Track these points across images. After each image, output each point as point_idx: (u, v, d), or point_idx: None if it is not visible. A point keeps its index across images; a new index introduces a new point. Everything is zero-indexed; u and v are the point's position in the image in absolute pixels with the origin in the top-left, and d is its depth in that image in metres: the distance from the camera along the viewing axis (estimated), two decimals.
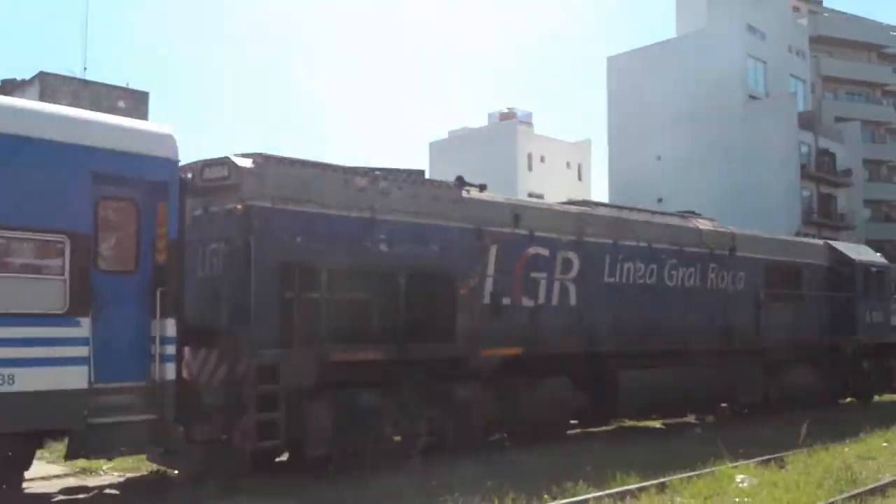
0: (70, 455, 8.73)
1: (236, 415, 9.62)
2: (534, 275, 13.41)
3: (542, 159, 60.74)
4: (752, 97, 50.63)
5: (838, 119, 57.99)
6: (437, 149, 62.65)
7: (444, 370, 11.89)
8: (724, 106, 48.83)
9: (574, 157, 64.07)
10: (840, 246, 22.26)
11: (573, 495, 9.32)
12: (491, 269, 12.76)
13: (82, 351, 8.30)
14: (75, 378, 8.20)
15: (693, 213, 18.55)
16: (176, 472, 10.50)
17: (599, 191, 62.73)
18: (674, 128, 49.23)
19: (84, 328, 8.32)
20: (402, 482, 9.92)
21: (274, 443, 10.08)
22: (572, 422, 14.83)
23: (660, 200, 42.48)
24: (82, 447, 8.54)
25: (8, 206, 8.01)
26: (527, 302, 13.27)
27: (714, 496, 9.77)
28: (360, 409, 10.84)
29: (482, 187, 13.26)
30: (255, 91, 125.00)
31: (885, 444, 13.61)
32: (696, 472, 10.73)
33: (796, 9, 59.98)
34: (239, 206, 9.97)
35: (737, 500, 9.62)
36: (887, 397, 22.66)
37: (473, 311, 12.43)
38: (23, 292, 8.02)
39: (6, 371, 7.75)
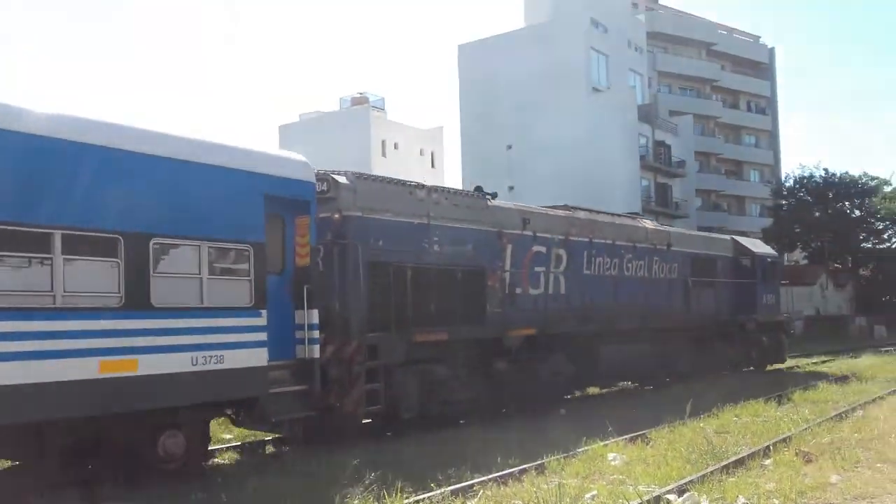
0: (256, 420, 11.39)
1: (348, 386, 12.11)
2: (536, 269, 16.65)
3: (396, 146, 60.65)
4: (596, 89, 52.56)
5: (672, 113, 61.34)
6: (287, 133, 61.12)
7: (482, 348, 14.82)
8: (568, 97, 50.43)
9: (427, 145, 64.38)
10: (742, 240, 26.34)
11: (459, 481, 9.24)
12: (507, 265, 15.86)
13: (263, 336, 10.81)
14: (260, 357, 10.75)
15: (638, 214, 22.52)
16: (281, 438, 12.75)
17: (452, 179, 63.39)
18: (523, 117, 50.39)
19: (263, 318, 10.83)
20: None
21: (377, 407, 12.62)
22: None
23: (511, 189, 43.41)
24: (266, 412, 10.94)
25: (223, 224, 10.55)
26: (533, 291, 16.49)
27: (591, 475, 9.98)
28: (435, 379, 13.70)
29: (493, 195, 16.23)
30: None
31: (735, 418, 14.41)
32: (572, 453, 10.94)
33: (635, 4, 62.85)
34: (336, 216, 12.46)
35: (613, 477, 9.86)
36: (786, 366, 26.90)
37: (498, 299, 15.49)
38: (227, 291, 10.56)
39: (218, 353, 10.20)
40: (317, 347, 11.64)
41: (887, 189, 52.47)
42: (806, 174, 54.99)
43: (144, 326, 9.45)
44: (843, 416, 14.79)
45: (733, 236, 26.97)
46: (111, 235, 9.18)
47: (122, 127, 9.83)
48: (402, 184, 14.31)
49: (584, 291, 17.81)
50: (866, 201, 52.30)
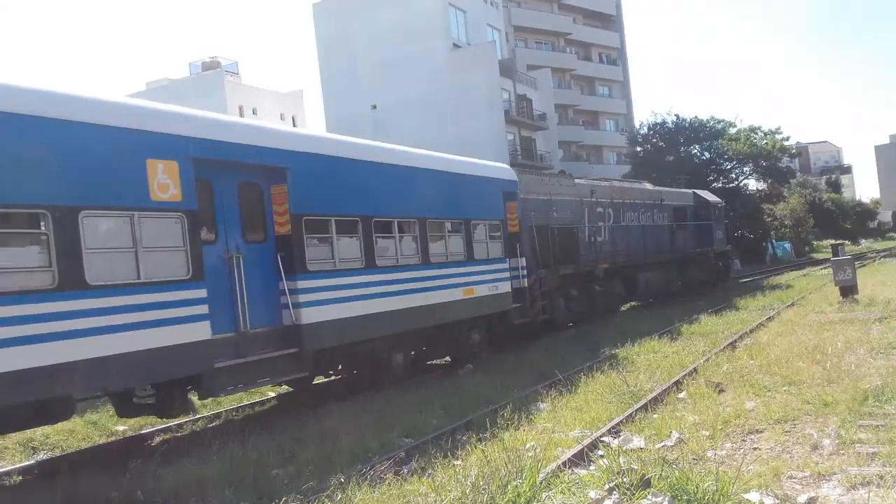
0: (507, 323, 17.73)
1: (530, 304, 18.57)
2: (600, 223, 23.91)
3: (254, 111, 58.52)
4: (456, 45, 52.41)
5: (530, 67, 62.15)
6: None
7: (582, 277, 22.14)
8: (430, 54, 50.12)
9: (288, 109, 62.51)
10: (699, 192, 33.89)
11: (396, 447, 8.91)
12: (586, 222, 22.94)
13: (508, 275, 17.63)
14: (507, 287, 17.48)
15: (640, 180, 31.46)
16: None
17: None
18: (385, 76, 49.74)
19: (508, 263, 17.64)
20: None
21: (545, 317, 19.44)
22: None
23: None
24: (512, 318, 17.74)
25: (491, 210, 17.28)
26: (599, 239, 23.71)
27: (522, 426, 9.86)
28: (570, 296, 21.38)
29: (562, 172, 26.83)
30: None
31: (637, 356, 14.75)
32: (497, 406, 10.81)
33: None
34: (512, 200, 18.41)
35: (547, 425, 9.79)
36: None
37: (584, 246, 22.64)
38: (493, 248, 17.12)
39: (492, 284, 16.77)
40: (525, 280, 18.42)
41: (732, 130, 55.35)
42: (658, 121, 57.21)
43: (474, 269, 16.16)
44: (734, 345, 15.45)
45: (694, 190, 34.19)
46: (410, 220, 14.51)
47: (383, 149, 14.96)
48: (537, 172, 25.94)
49: (623, 237, 25.31)
50: (714, 143, 55.02)
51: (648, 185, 29.67)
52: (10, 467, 10.12)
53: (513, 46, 62.55)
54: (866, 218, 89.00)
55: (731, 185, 55.18)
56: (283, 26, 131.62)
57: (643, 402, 10.41)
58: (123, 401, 9.89)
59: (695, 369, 12.76)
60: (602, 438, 8.82)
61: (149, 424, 12.24)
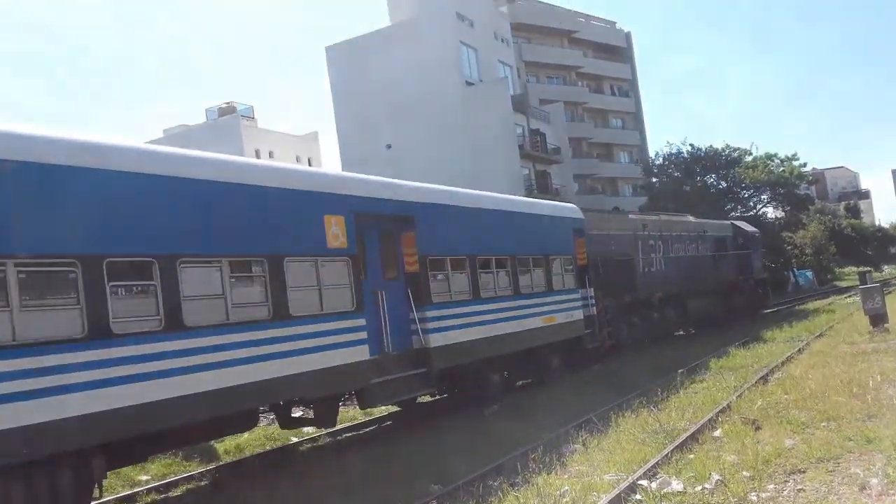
0: (580, 348, 19.65)
1: (599, 330, 20.38)
2: (651, 255, 25.53)
3: (271, 154, 58.89)
4: (469, 83, 52.69)
5: (543, 101, 62.33)
6: None
7: (640, 304, 24.13)
8: (443, 92, 50.39)
9: (303, 151, 62.99)
10: (737, 223, 36.05)
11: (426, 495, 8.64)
12: (640, 254, 24.71)
13: (580, 303, 19.55)
14: (579, 315, 19.44)
15: (683, 213, 32.50)
16: None
17: None
18: (399, 115, 49.95)
19: (579, 294, 19.64)
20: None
21: (611, 342, 21.43)
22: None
23: None
24: (585, 342, 19.75)
25: (565, 246, 19.51)
26: (653, 270, 25.45)
27: (554, 470, 9.57)
28: (633, 324, 23.32)
29: (616, 209, 31.26)
30: None
31: (662, 393, 14.40)
32: (527, 448, 10.52)
33: None
34: (580, 236, 20.35)
35: (580, 468, 9.50)
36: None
37: (639, 275, 24.33)
38: (567, 279, 19.10)
39: (568, 312, 18.90)
40: (594, 308, 20.24)
41: (748, 158, 55.07)
42: (673, 151, 57.04)
43: (553, 299, 18.21)
44: (766, 378, 15.08)
45: (732, 221, 36.87)
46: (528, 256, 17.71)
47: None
48: (598, 212, 27.88)
49: (673, 267, 26.86)
50: (731, 172, 54.74)
51: (691, 218, 31.43)
52: None
53: (524, 82, 62.86)
54: (887, 243, 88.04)
55: (749, 213, 54.77)
56: (297, 69, 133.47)
57: (678, 441, 10.09)
58: (285, 415, 12.14)
59: (728, 405, 12.43)
60: (639, 482, 8.53)
61: (171, 473, 12.03)
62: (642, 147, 75.93)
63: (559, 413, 13.77)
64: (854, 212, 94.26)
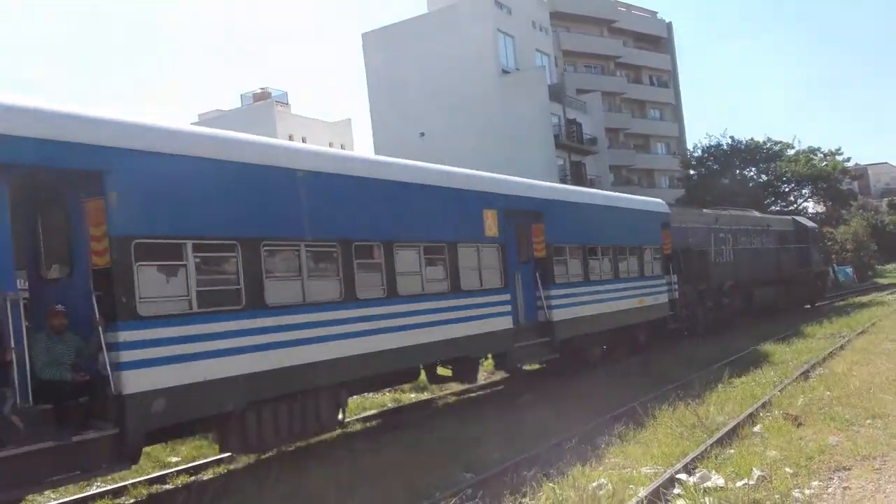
0: (663, 336, 22.02)
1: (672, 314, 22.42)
2: (722, 247, 27.58)
3: (304, 140, 58.97)
4: (505, 71, 52.25)
5: (580, 91, 61.60)
6: None
7: (712, 291, 26.22)
8: (479, 80, 49.97)
9: (336, 137, 63.00)
10: (798, 218, 38.24)
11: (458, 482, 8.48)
12: (713, 245, 26.70)
13: (666, 288, 22.24)
14: (665, 298, 22.17)
15: (747, 209, 34.84)
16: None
17: None
18: (434, 103, 49.67)
19: (665, 280, 22.25)
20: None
21: (686, 324, 23.73)
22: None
23: None
24: (668, 326, 22.35)
25: (654, 238, 21.90)
26: (723, 260, 27.41)
27: (589, 462, 9.36)
28: (707, 308, 25.46)
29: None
30: None
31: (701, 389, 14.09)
32: (561, 439, 10.32)
33: None
34: (666, 229, 22.97)
35: (615, 460, 9.27)
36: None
37: (712, 265, 26.31)
38: (656, 266, 21.65)
39: (654, 295, 21.47)
40: (676, 293, 22.75)
41: (790, 152, 54.03)
42: (713, 143, 56.12)
43: (645, 284, 20.74)
44: (807, 374, 14.71)
45: (793, 216, 38.80)
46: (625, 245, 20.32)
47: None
48: (679, 207, 29.48)
49: (741, 258, 28.77)
50: (772, 165, 53.74)
51: (756, 213, 34.14)
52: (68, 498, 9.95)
53: (562, 71, 62.17)
54: None
55: (789, 208, 53.80)
56: (333, 56, 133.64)
57: (718, 436, 9.83)
58: (433, 373, 14.58)
59: (769, 401, 12.12)
60: (678, 476, 8.30)
61: (202, 456, 12.01)
62: (680, 139, 74.83)
63: (593, 404, 13.54)
64: None
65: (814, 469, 8.45)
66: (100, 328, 8.08)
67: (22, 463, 7.36)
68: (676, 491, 7.92)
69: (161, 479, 10.80)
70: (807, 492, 7.75)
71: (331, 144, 62.71)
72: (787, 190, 54.94)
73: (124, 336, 8.17)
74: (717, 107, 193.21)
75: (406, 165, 13.49)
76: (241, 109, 65.05)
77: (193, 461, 11.67)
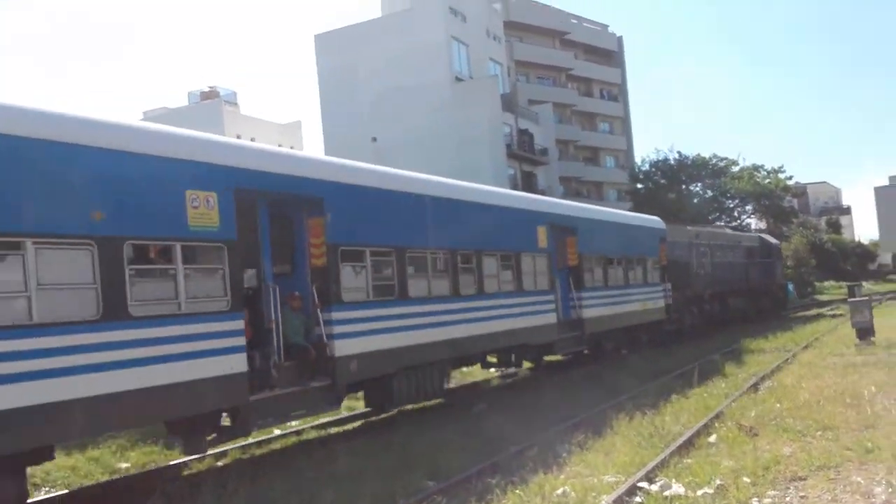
0: (659, 337, 25.07)
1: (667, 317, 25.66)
2: (701, 259, 30.54)
3: (253, 140, 58.21)
4: (458, 79, 52.33)
5: (531, 102, 62.11)
6: None
7: (696, 297, 29.42)
8: (432, 86, 49.89)
9: (286, 140, 62.32)
10: (763, 236, 42.20)
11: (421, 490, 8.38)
12: (694, 258, 29.72)
13: (663, 294, 25.31)
14: (662, 303, 25.38)
15: (721, 224, 41.14)
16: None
17: None
18: (386, 108, 49.47)
19: (662, 287, 25.65)
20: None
21: (674, 325, 26.67)
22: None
23: None
24: (662, 330, 25.50)
25: (653, 249, 25.13)
26: (701, 271, 30.37)
27: (550, 469, 9.36)
28: (692, 314, 28.80)
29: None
30: None
31: (653, 399, 14.25)
32: (522, 447, 10.30)
33: None
34: (663, 243, 25.99)
35: (576, 468, 9.29)
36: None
37: (692, 276, 29.15)
38: (653, 274, 24.82)
39: (653, 300, 24.50)
40: (671, 299, 25.54)
41: (735, 169, 55.32)
42: (661, 158, 57.16)
43: (648, 290, 23.93)
44: (756, 387, 14.99)
45: (759, 234, 43.28)
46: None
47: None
48: (673, 224, 30.15)
49: (717, 270, 32.01)
50: (717, 181, 54.94)
51: (728, 230, 39.18)
52: None
53: (514, 81, 62.59)
54: (866, 259, 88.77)
55: (732, 223, 55.02)
56: (284, 57, 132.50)
57: (676, 445, 9.94)
58: (483, 361, 16.92)
59: (721, 412, 12.30)
60: (639, 484, 8.35)
61: (151, 462, 11.68)
62: (629, 152, 76.03)
63: (548, 413, 13.60)
64: (835, 227, 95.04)
65: (770, 479, 8.57)
66: (318, 310, 11.24)
67: (279, 401, 10.49)
68: (638, 499, 7.96)
69: (113, 484, 10.44)
70: (765, 501, 7.85)
71: (280, 146, 62.01)
72: (731, 206, 56.19)
73: (335, 315, 11.39)
74: (665, 122, 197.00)
75: (488, 191, 17.48)
76: (188, 108, 64.03)
77: (143, 467, 11.34)
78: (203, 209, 9.26)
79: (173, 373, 8.61)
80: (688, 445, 10.17)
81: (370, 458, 10.52)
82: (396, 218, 13.11)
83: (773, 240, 42.03)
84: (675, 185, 55.57)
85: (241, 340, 9.60)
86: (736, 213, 56.69)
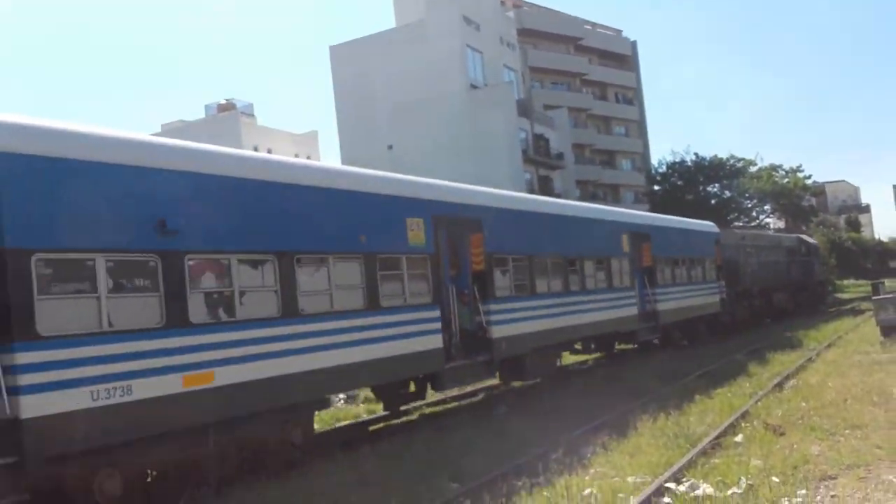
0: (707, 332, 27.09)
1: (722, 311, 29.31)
2: (749, 259, 33.67)
3: (269, 152, 58.47)
4: (474, 86, 52.40)
5: (547, 107, 62.10)
6: None
7: (745, 293, 32.77)
8: (447, 94, 50.02)
9: (302, 149, 62.64)
10: (803, 237, 45.22)
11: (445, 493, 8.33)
12: (742, 258, 32.71)
13: (717, 291, 28.65)
14: (716, 299, 28.38)
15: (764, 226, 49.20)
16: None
17: None
18: (402, 117, 49.65)
19: (717, 284, 28.84)
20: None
21: (729, 317, 30.10)
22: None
23: None
24: (713, 324, 28.09)
25: (708, 252, 28.46)
26: (751, 270, 33.57)
27: (575, 471, 9.29)
28: (743, 308, 32.35)
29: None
30: None
31: (675, 400, 14.12)
32: (544, 449, 10.25)
33: (502, 2, 63.17)
34: (717, 245, 29.66)
35: (601, 470, 9.22)
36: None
37: (741, 273, 31.99)
38: (710, 273, 28.26)
39: (705, 297, 27.60)
40: (725, 294, 28.64)
41: (753, 169, 54.97)
42: (677, 159, 56.89)
43: (707, 286, 27.48)
44: (780, 386, 14.84)
45: (799, 235, 45.46)
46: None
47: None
48: (723, 228, 33.45)
49: (763, 269, 35.19)
50: (735, 182, 54.60)
51: (770, 232, 45.08)
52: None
53: (529, 87, 62.62)
54: (887, 257, 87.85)
55: (751, 224, 54.65)
56: (300, 68, 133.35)
57: (702, 445, 9.84)
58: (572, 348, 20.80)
59: (747, 411, 12.19)
60: (667, 485, 8.27)
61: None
62: (645, 155, 75.77)
63: (571, 416, 13.50)
64: (854, 225, 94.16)
65: (800, 478, 8.46)
66: (479, 303, 14.61)
67: (457, 370, 13.96)
68: (666, 500, 7.89)
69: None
70: (795, 500, 7.74)
71: (297, 156, 62.28)
72: (749, 206, 55.80)
73: (492, 307, 14.83)
74: (681, 124, 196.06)
75: (586, 207, 22.97)
76: (205, 120, 64.47)
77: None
78: (416, 231, 13.15)
79: (407, 345, 12.59)
80: (714, 446, 10.08)
81: (393, 461, 10.48)
82: (527, 232, 16.80)
83: (811, 240, 45.58)
84: (692, 187, 55.27)
85: (438, 325, 13.45)
86: (754, 213, 56.26)
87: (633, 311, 21.10)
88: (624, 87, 75.88)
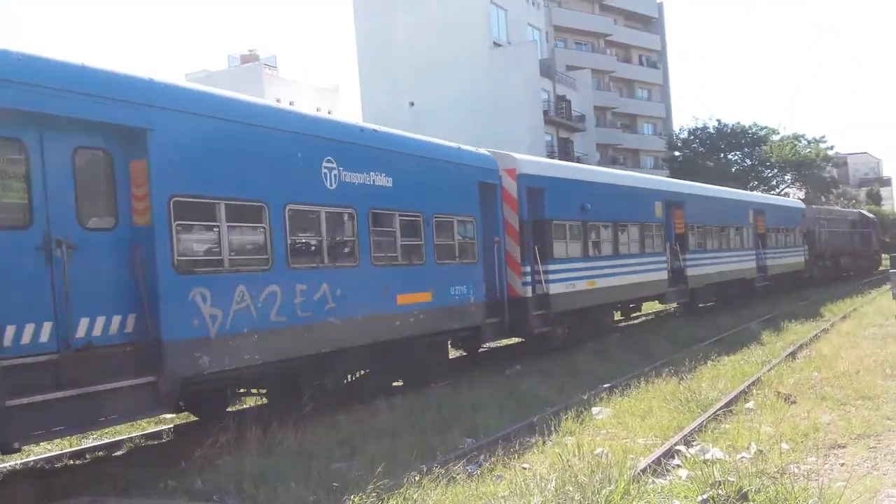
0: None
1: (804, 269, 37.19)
2: (820, 229, 39.45)
3: (291, 104, 58.32)
4: (497, 44, 51.88)
5: (570, 67, 61.43)
6: None
7: (820, 257, 39.44)
8: (470, 52, 49.55)
9: (323, 103, 62.34)
10: (863, 211, 51.25)
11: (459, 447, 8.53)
12: (816, 228, 38.70)
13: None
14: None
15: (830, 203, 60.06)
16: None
17: None
18: (424, 73, 49.27)
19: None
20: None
21: (808, 276, 37.45)
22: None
23: None
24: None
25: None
26: (822, 238, 39.82)
27: (586, 431, 9.45)
28: (817, 267, 39.16)
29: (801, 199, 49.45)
30: None
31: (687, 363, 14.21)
32: (557, 408, 10.41)
33: None
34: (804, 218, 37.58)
35: (612, 431, 9.38)
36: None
37: (817, 241, 38.51)
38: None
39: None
40: (807, 254, 37.10)
41: (776, 137, 54.39)
42: (699, 125, 56.34)
43: (786, 250, 34.12)
44: (794, 355, 14.91)
45: (860, 210, 51.26)
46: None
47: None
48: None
49: (831, 237, 40.80)
50: (756, 150, 54.09)
51: (837, 207, 51.50)
52: (57, 452, 9.92)
53: (552, 46, 61.90)
54: None
55: (771, 192, 54.24)
56: (323, 20, 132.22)
57: (713, 410, 9.96)
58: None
59: (759, 379, 12.28)
60: (677, 447, 8.41)
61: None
62: (667, 120, 75.03)
63: (583, 376, 13.67)
64: (875, 198, 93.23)
65: (809, 445, 8.57)
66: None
67: (671, 293, 22.95)
68: (676, 462, 8.02)
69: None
70: (804, 467, 7.86)
71: (318, 110, 62.13)
72: (769, 175, 55.33)
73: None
74: (704, 90, 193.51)
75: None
76: (228, 70, 64.25)
77: (188, 419, 11.63)
78: (657, 210, 22.52)
79: (649, 276, 21.18)
80: (726, 411, 10.19)
81: (407, 415, 10.67)
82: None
83: (869, 214, 51.86)
84: (713, 154, 54.79)
85: (665, 265, 22.58)
86: (774, 182, 55.79)
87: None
88: (648, 49, 74.86)
